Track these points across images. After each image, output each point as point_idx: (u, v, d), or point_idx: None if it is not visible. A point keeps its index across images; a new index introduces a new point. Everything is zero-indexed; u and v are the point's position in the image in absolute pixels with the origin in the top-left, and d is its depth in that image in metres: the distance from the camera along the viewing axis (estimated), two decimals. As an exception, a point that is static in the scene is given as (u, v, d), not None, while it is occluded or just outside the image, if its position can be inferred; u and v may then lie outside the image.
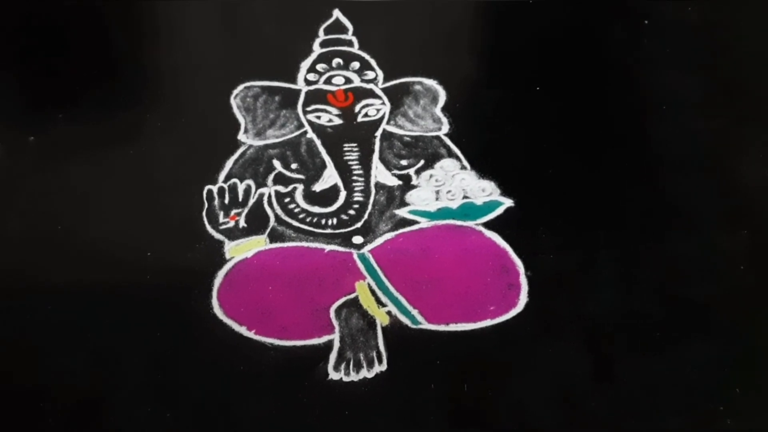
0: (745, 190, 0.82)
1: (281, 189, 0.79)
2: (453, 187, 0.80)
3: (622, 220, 0.79)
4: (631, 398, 0.68)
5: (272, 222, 0.76)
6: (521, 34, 0.95)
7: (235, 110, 0.86)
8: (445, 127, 0.85)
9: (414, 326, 0.70)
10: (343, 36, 0.92)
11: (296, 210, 0.77)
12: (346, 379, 0.67)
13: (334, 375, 0.67)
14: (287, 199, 0.78)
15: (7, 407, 0.66)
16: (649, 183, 0.81)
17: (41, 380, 0.67)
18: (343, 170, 0.81)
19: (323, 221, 0.77)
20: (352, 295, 0.71)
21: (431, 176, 0.81)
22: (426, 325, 0.70)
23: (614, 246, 0.76)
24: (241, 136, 0.83)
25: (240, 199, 0.78)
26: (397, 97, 0.87)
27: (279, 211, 0.77)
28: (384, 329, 0.70)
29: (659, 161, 0.84)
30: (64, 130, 0.84)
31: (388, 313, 0.71)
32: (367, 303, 0.71)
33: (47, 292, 0.72)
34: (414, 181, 0.80)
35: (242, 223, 0.76)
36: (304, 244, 0.75)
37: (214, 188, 0.79)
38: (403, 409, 0.66)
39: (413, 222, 0.77)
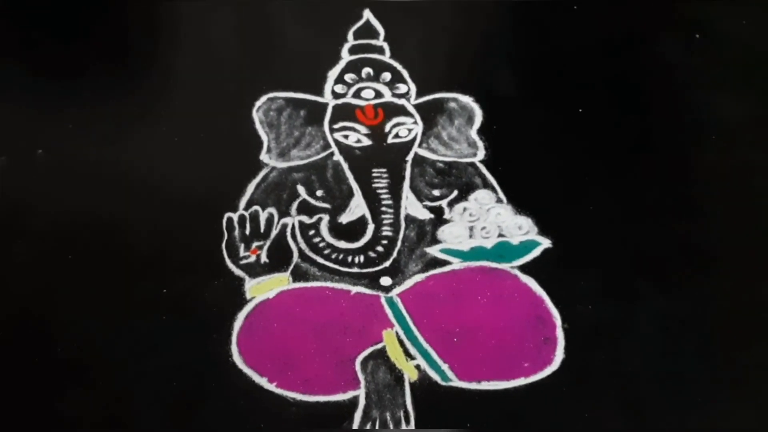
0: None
1: (305, 219, 0.74)
2: (488, 223, 0.75)
3: (666, 267, 0.74)
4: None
5: (296, 258, 0.72)
6: (565, 49, 0.88)
7: (258, 125, 0.80)
8: (481, 153, 0.80)
9: (444, 383, 0.66)
10: (374, 42, 0.86)
11: (321, 245, 0.73)
12: (371, 441, 0.64)
13: (359, 436, 0.64)
14: (312, 232, 0.74)
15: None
16: (698, 226, 0.76)
17: (54, 420, 0.64)
18: (372, 199, 0.76)
19: (350, 258, 0.72)
20: (379, 345, 0.68)
21: (465, 210, 0.76)
22: (457, 383, 0.66)
23: (657, 296, 0.72)
24: (264, 156, 0.78)
25: (262, 230, 0.73)
26: (431, 115, 0.82)
27: (303, 246, 0.73)
28: (412, 385, 0.66)
29: (709, 200, 0.78)
30: (76, 142, 0.79)
31: (417, 367, 0.67)
32: (395, 355, 0.67)
33: (57, 340, 0.68)
34: (447, 215, 0.75)
35: (264, 258, 0.72)
36: (329, 284, 0.71)
37: (235, 216, 0.74)
38: (430, 476, 0.63)
39: (445, 262, 0.73)
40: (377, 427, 0.64)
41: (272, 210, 0.75)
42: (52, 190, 0.76)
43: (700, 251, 0.75)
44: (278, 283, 0.70)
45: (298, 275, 0.71)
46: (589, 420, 0.66)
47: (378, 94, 0.82)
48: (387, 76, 0.84)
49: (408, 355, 0.67)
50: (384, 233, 0.74)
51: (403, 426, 0.64)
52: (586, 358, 0.68)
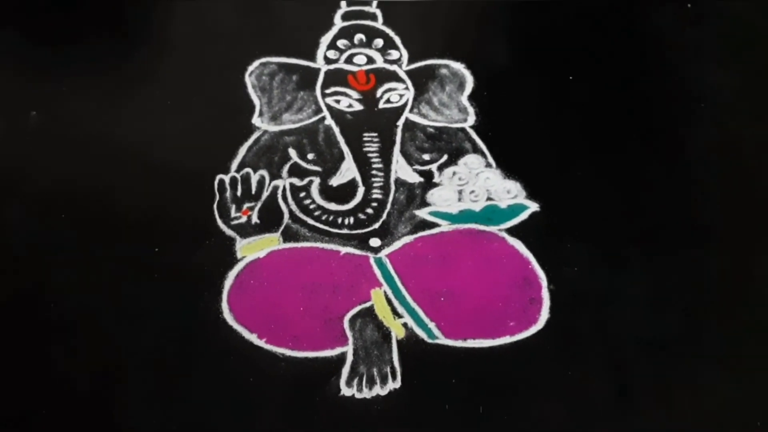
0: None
1: (296, 182, 0.75)
2: (477, 187, 0.76)
3: (653, 231, 0.75)
4: (653, 421, 0.66)
5: (286, 219, 0.73)
6: (558, 19, 0.88)
7: (250, 89, 0.81)
8: (471, 119, 0.80)
9: (430, 340, 0.68)
10: (366, 8, 0.87)
11: (312, 206, 0.74)
12: (358, 395, 0.65)
13: (346, 391, 0.65)
14: (302, 194, 0.74)
15: (11, 406, 0.64)
16: (688, 193, 0.77)
17: (47, 381, 0.65)
18: (362, 163, 0.77)
19: (339, 220, 0.73)
20: (368, 304, 0.69)
21: (454, 174, 0.77)
22: (443, 340, 0.67)
23: (644, 259, 0.73)
24: (256, 120, 0.79)
25: (253, 192, 0.74)
26: (422, 81, 0.82)
27: (294, 207, 0.74)
28: (399, 342, 0.67)
29: (699, 168, 0.79)
30: (70, 106, 0.80)
31: (404, 325, 0.68)
32: (383, 313, 0.68)
33: (54, 292, 0.69)
34: (436, 179, 0.76)
35: (255, 219, 0.73)
36: (319, 245, 0.72)
37: (226, 178, 0.75)
38: (415, 430, 0.64)
39: (434, 224, 0.74)
40: (364, 383, 0.65)
41: (264, 172, 0.75)
42: (45, 151, 0.76)
43: (689, 219, 0.76)
44: (269, 243, 0.71)
45: (289, 236, 0.72)
46: (573, 378, 0.67)
47: (370, 60, 0.83)
48: (379, 42, 0.84)
49: (395, 313, 0.69)
50: (374, 196, 0.75)
51: (390, 381, 0.65)
52: (571, 319, 0.69)
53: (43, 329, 0.67)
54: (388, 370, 0.66)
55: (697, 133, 0.81)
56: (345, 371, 0.66)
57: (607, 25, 0.88)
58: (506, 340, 0.68)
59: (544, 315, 0.69)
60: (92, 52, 0.83)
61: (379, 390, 0.65)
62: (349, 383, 0.65)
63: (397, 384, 0.66)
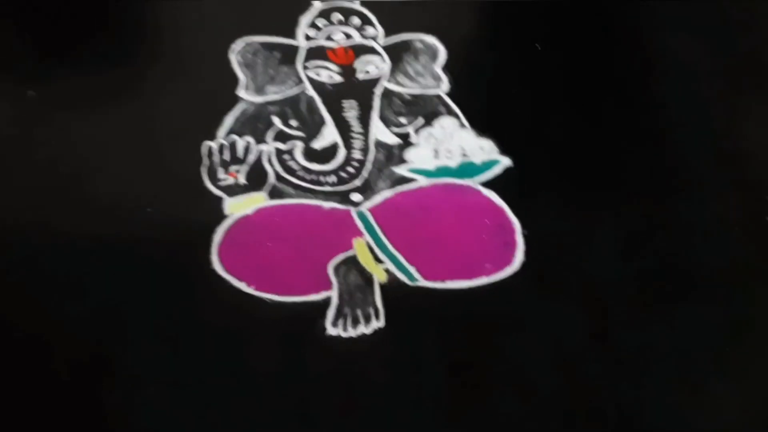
0: (751, 155, 0.82)
1: (281, 146, 0.79)
2: (452, 146, 0.80)
3: (623, 181, 0.79)
4: (627, 359, 0.69)
5: (272, 179, 0.77)
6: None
7: (235, 66, 0.85)
8: (445, 86, 0.85)
9: (411, 283, 0.71)
10: (343, -9, 0.91)
11: (295, 167, 0.78)
12: (344, 335, 0.68)
13: (332, 331, 0.68)
14: (287, 156, 0.78)
15: (5, 363, 0.67)
16: (653, 145, 0.81)
17: (41, 333, 0.68)
18: (343, 127, 0.81)
19: (322, 179, 0.77)
20: (350, 253, 0.72)
21: (430, 134, 0.81)
22: (423, 282, 0.71)
23: (614, 207, 0.77)
24: (241, 92, 0.83)
25: (239, 156, 0.78)
26: (397, 54, 0.87)
27: (278, 169, 0.78)
28: (382, 286, 0.71)
29: (664, 122, 0.83)
30: (59, 85, 0.84)
31: (386, 270, 0.72)
32: (365, 260, 0.72)
33: (45, 247, 0.72)
34: (413, 139, 0.80)
35: (242, 180, 0.76)
36: (304, 201, 0.75)
37: (214, 144, 0.79)
38: (400, 365, 0.68)
39: (412, 180, 0.78)
40: (349, 323, 0.69)
41: (249, 138, 0.79)
42: (40, 122, 0.81)
43: (659, 169, 0.80)
44: (255, 201, 0.75)
45: (275, 194, 0.76)
46: (548, 315, 0.70)
47: (348, 37, 0.87)
48: (356, 20, 0.89)
49: (377, 260, 0.72)
50: (354, 156, 0.79)
51: (373, 320, 0.69)
52: (545, 261, 0.73)
53: (38, 292, 0.71)
54: (371, 311, 0.69)
55: (667, 91, 0.85)
56: (331, 313, 0.69)
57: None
58: (483, 281, 0.71)
59: (519, 258, 0.73)
60: (83, 35, 0.88)
61: (363, 329, 0.68)
62: (335, 323, 0.68)
63: (381, 323, 0.69)
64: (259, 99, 0.83)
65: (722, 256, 0.74)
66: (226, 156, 0.78)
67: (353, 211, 0.75)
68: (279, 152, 0.79)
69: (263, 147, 0.79)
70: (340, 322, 0.68)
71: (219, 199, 0.75)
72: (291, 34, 0.89)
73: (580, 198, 0.78)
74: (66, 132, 0.80)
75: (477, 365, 0.68)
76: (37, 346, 0.67)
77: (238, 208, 0.74)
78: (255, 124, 0.81)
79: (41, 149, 0.79)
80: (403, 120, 0.82)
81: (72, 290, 0.70)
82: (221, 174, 0.77)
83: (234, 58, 0.87)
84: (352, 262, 0.72)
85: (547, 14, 0.92)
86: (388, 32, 0.89)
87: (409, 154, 0.79)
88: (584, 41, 0.90)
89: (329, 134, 0.81)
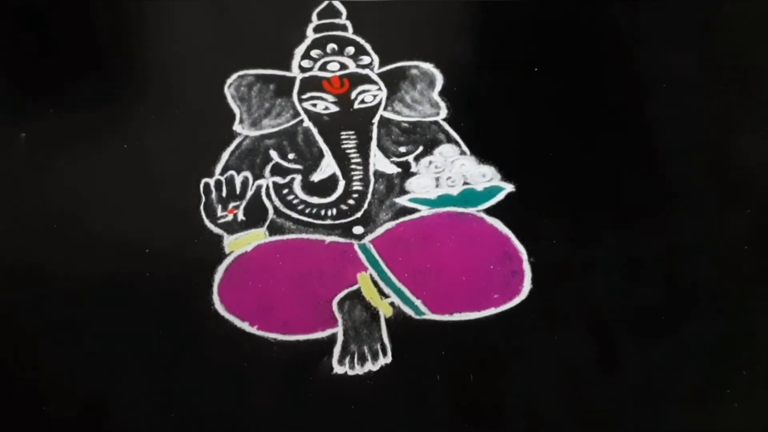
0: (748, 172, 0.81)
1: (279, 180, 0.78)
2: (453, 173, 0.79)
3: (624, 203, 0.78)
4: (636, 386, 0.67)
5: (271, 214, 0.75)
6: (517, 15, 0.93)
7: (230, 100, 0.84)
8: (443, 112, 0.84)
9: (418, 317, 0.69)
10: (337, 20, 0.91)
11: (295, 201, 0.76)
12: (350, 372, 0.66)
13: (338, 369, 0.66)
14: (285, 191, 0.77)
15: (5, 404, 0.65)
16: (652, 166, 0.80)
17: (40, 377, 0.67)
18: (341, 159, 0.80)
19: (323, 212, 0.76)
20: (354, 287, 0.71)
21: (430, 163, 0.80)
22: (430, 315, 0.69)
23: (617, 230, 0.76)
24: (237, 127, 0.82)
25: (238, 192, 0.77)
26: (394, 82, 0.86)
27: (278, 203, 0.76)
28: (387, 321, 0.69)
29: (661, 143, 0.83)
30: (56, 125, 0.83)
31: (391, 304, 0.70)
32: (370, 294, 0.70)
33: (44, 289, 0.71)
34: (413, 168, 0.79)
35: (241, 216, 0.75)
36: (304, 236, 0.74)
37: (211, 181, 0.77)
38: (408, 401, 0.66)
39: (414, 210, 0.76)
40: (356, 360, 0.67)
41: (247, 173, 0.78)
42: (33, 163, 0.79)
43: (658, 190, 0.79)
44: (255, 237, 0.74)
45: (274, 230, 0.75)
46: (557, 343, 0.69)
47: (343, 67, 0.86)
48: (351, 49, 0.88)
49: (382, 294, 0.71)
50: (354, 188, 0.78)
51: (380, 357, 0.67)
52: (553, 289, 0.72)
53: (34, 328, 0.69)
54: (378, 347, 0.68)
55: (660, 110, 0.85)
56: (336, 351, 0.67)
57: (565, 22, 0.93)
58: (491, 311, 0.70)
59: (527, 286, 0.71)
60: (76, 75, 0.87)
61: (370, 366, 0.67)
62: (341, 361, 0.67)
63: (388, 359, 0.67)
64: (255, 132, 0.82)
65: (724, 274, 0.73)
66: (224, 193, 0.77)
67: (355, 244, 0.73)
68: (277, 186, 0.78)
69: (261, 182, 0.78)
70: (347, 359, 0.67)
71: (218, 237, 0.74)
72: (285, 66, 0.88)
73: (582, 221, 0.76)
74: (60, 173, 0.79)
75: (486, 397, 0.66)
76: (31, 392, 0.66)
77: (238, 245, 0.73)
78: (252, 158, 0.80)
79: (35, 190, 0.77)
80: (402, 149, 0.81)
81: (68, 333, 0.68)
82: (220, 211, 0.75)
83: (228, 92, 0.86)
84: (357, 297, 0.70)
85: (544, 39, 0.91)
86: (384, 60, 0.89)
87: (410, 183, 0.78)
88: (581, 64, 0.89)
89: (328, 166, 0.79)
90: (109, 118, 0.84)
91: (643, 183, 0.79)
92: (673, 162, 0.81)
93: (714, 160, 0.82)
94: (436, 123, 0.83)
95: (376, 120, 0.83)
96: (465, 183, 0.78)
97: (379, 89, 0.85)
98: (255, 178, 0.78)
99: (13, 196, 0.77)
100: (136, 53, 0.91)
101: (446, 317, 0.69)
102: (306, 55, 0.87)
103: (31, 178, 0.78)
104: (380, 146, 0.81)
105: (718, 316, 0.71)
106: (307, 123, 0.82)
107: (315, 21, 0.91)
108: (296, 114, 0.83)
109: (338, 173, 0.79)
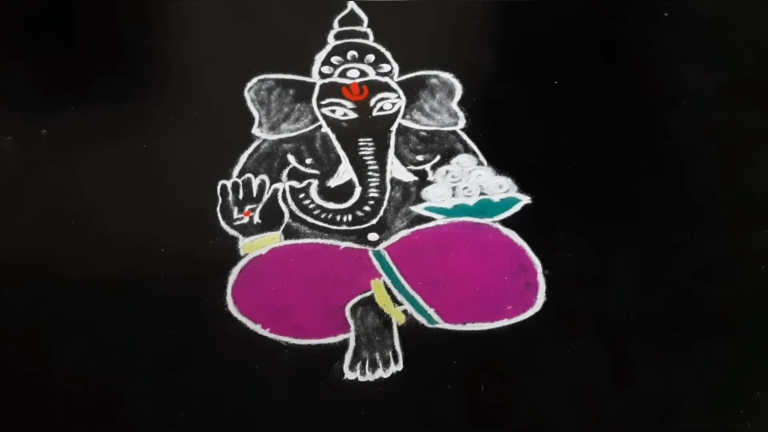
0: (765, 186, 0.81)
1: (296, 184, 0.78)
2: (469, 183, 0.79)
3: (640, 217, 0.77)
4: (649, 399, 0.67)
5: (287, 218, 0.76)
6: (539, 26, 0.93)
7: (249, 104, 0.85)
8: (462, 122, 0.84)
9: (430, 325, 0.69)
10: (358, 28, 0.91)
11: (311, 206, 0.76)
12: (361, 379, 0.66)
13: (349, 375, 0.66)
14: (302, 195, 0.77)
15: (18, 402, 0.65)
16: (669, 180, 0.80)
17: (53, 376, 0.67)
18: (358, 165, 0.80)
19: (338, 218, 0.76)
20: (368, 294, 0.71)
21: (447, 172, 0.80)
22: (442, 325, 0.69)
23: (633, 244, 0.75)
24: (255, 130, 0.82)
25: (254, 195, 0.77)
26: (413, 90, 0.86)
27: (293, 207, 0.76)
28: (400, 328, 0.69)
29: (679, 157, 0.82)
30: (77, 123, 0.84)
31: (404, 311, 0.70)
32: (383, 301, 0.70)
33: (59, 286, 0.71)
34: (430, 177, 0.79)
35: (256, 219, 0.75)
36: (319, 240, 0.74)
37: (228, 183, 0.78)
38: (419, 410, 0.66)
39: (429, 219, 0.76)
40: (367, 366, 0.67)
41: (264, 176, 0.78)
42: (52, 160, 0.80)
43: (675, 204, 0.79)
44: (270, 240, 0.74)
45: (289, 234, 0.75)
46: (570, 356, 0.68)
47: (363, 74, 0.87)
48: (371, 57, 0.88)
49: (395, 301, 0.70)
50: (370, 194, 0.78)
51: (392, 365, 0.67)
52: (567, 301, 0.71)
53: (50, 326, 0.69)
54: (390, 354, 0.67)
55: (679, 125, 0.84)
56: (348, 356, 0.67)
57: (586, 32, 0.93)
58: (504, 322, 0.70)
59: (541, 298, 0.71)
60: (99, 76, 0.88)
61: (381, 373, 0.66)
62: (352, 367, 0.67)
63: (399, 367, 0.67)
64: (273, 136, 0.83)
65: (740, 290, 0.73)
66: (241, 195, 0.77)
67: (370, 250, 0.73)
68: (294, 190, 0.78)
69: (278, 185, 0.78)
70: (358, 365, 0.66)
71: (234, 239, 0.74)
72: (306, 72, 0.89)
73: (599, 234, 0.76)
74: (79, 170, 0.79)
75: (498, 410, 0.66)
76: (43, 388, 0.66)
77: (253, 247, 0.73)
78: (269, 161, 0.80)
79: (53, 188, 0.78)
80: (419, 157, 0.81)
81: (82, 330, 0.68)
82: (236, 213, 0.76)
83: (248, 96, 0.86)
84: (370, 304, 0.70)
85: (564, 47, 0.91)
86: (404, 68, 0.89)
87: (427, 192, 0.78)
88: (600, 75, 0.89)
89: (344, 172, 0.80)
90: (128, 117, 0.85)
91: (660, 197, 0.79)
92: (691, 177, 0.81)
93: (733, 176, 0.81)
94: (454, 132, 0.83)
95: (394, 128, 0.83)
96: (481, 193, 0.78)
97: (398, 97, 0.85)
98: (272, 182, 0.78)
99: (31, 192, 0.78)
100: (158, 54, 0.92)
101: (459, 327, 0.69)
102: (326, 61, 0.88)
103: (49, 175, 0.79)
104: (398, 154, 0.81)
105: (734, 333, 0.70)
106: (326, 129, 0.83)
107: (336, 27, 0.91)
108: (315, 119, 0.83)
109: (355, 179, 0.79)
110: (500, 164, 0.80)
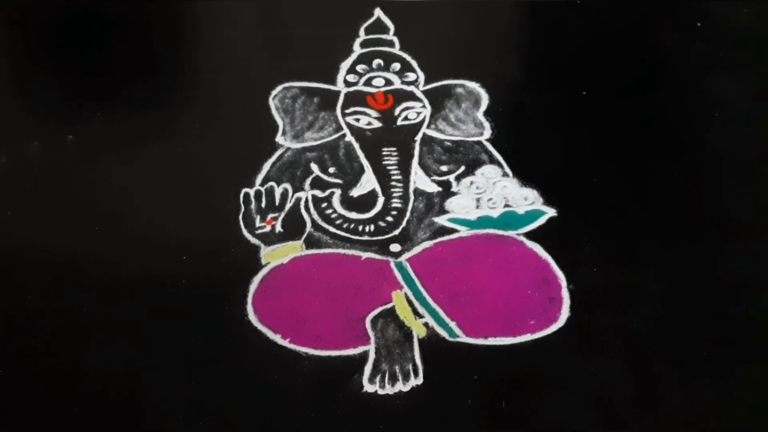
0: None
1: (318, 193, 0.78)
2: (494, 195, 0.78)
3: (668, 231, 0.76)
4: (675, 419, 0.65)
5: (309, 227, 0.75)
6: (568, 35, 0.92)
7: (274, 111, 0.85)
8: (487, 132, 0.83)
9: (451, 339, 0.68)
10: (384, 36, 0.91)
11: (333, 216, 0.76)
12: (381, 392, 0.65)
13: (368, 387, 0.66)
14: (324, 204, 0.77)
15: (43, 409, 0.66)
16: (698, 194, 0.78)
17: (77, 384, 0.67)
18: (382, 175, 0.79)
19: (360, 228, 0.75)
20: (389, 305, 0.70)
21: (472, 183, 0.79)
22: (464, 338, 0.68)
23: (660, 259, 0.74)
24: (279, 139, 0.82)
25: (277, 203, 0.77)
26: (439, 100, 0.85)
27: (316, 217, 0.76)
28: (421, 341, 0.68)
29: (709, 171, 0.81)
30: (102, 130, 0.84)
31: (425, 324, 0.69)
32: (404, 313, 0.69)
33: (83, 291, 0.71)
34: (454, 188, 0.78)
35: (279, 228, 0.75)
36: (341, 251, 0.74)
37: (251, 191, 0.77)
38: (438, 425, 0.65)
39: (452, 230, 0.75)
40: (387, 379, 0.66)
41: (287, 185, 0.78)
42: (83, 167, 0.80)
43: (704, 219, 0.77)
44: (292, 250, 0.74)
45: (311, 243, 0.74)
46: (594, 374, 0.67)
47: (388, 82, 0.86)
48: (396, 66, 0.88)
49: (416, 314, 0.70)
50: (393, 205, 0.77)
51: (412, 378, 0.66)
52: (591, 317, 0.70)
53: (74, 334, 0.69)
54: (410, 367, 0.67)
55: (710, 139, 0.83)
56: (367, 369, 0.67)
57: (616, 45, 0.92)
58: (527, 337, 0.69)
59: (565, 314, 0.70)
60: (125, 80, 0.88)
61: (401, 386, 0.66)
62: (371, 380, 0.66)
63: (420, 381, 0.66)
64: (297, 145, 0.82)
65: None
66: (264, 203, 0.77)
67: (392, 261, 0.73)
68: (316, 200, 0.78)
69: (301, 194, 0.78)
70: (378, 378, 0.66)
71: (255, 248, 0.74)
72: (330, 80, 0.88)
73: (624, 248, 0.75)
74: (103, 176, 0.80)
75: (519, 427, 0.65)
76: (63, 393, 0.66)
77: (274, 257, 0.73)
78: (293, 170, 0.80)
79: (78, 192, 0.79)
80: (444, 168, 0.80)
81: (103, 334, 0.69)
82: (258, 222, 0.75)
83: (273, 104, 0.86)
84: (391, 316, 0.69)
85: (593, 62, 0.90)
86: (429, 77, 0.88)
87: (450, 203, 0.77)
88: (629, 89, 0.88)
89: (368, 182, 0.79)
90: (154, 124, 0.85)
91: (687, 212, 0.77)
92: (720, 192, 0.79)
93: (765, 190, 0.79)
94: (479, 143, 0.82)
95: (418, 137, 0.82)
96: (506, 205, 0.77)
97: (423, 106, 0.84)
98: (294, 191, 0.78)
99: (57, 197, 0.79)
100: (183, 61, 0.92)
101: (480, 341, 0.68)
102: (351, 70, 0.87)
103: (75, 181, 0.80)
104: (422, 164, 0.80)
105: (763, 352, 0.69)
106: (350, 137, 0.82)
107: (362, 36, 0.91)
108: (339, 128, 0.83)
109: (378, 189, 0.78)
110: (526, 176, 0.79)
